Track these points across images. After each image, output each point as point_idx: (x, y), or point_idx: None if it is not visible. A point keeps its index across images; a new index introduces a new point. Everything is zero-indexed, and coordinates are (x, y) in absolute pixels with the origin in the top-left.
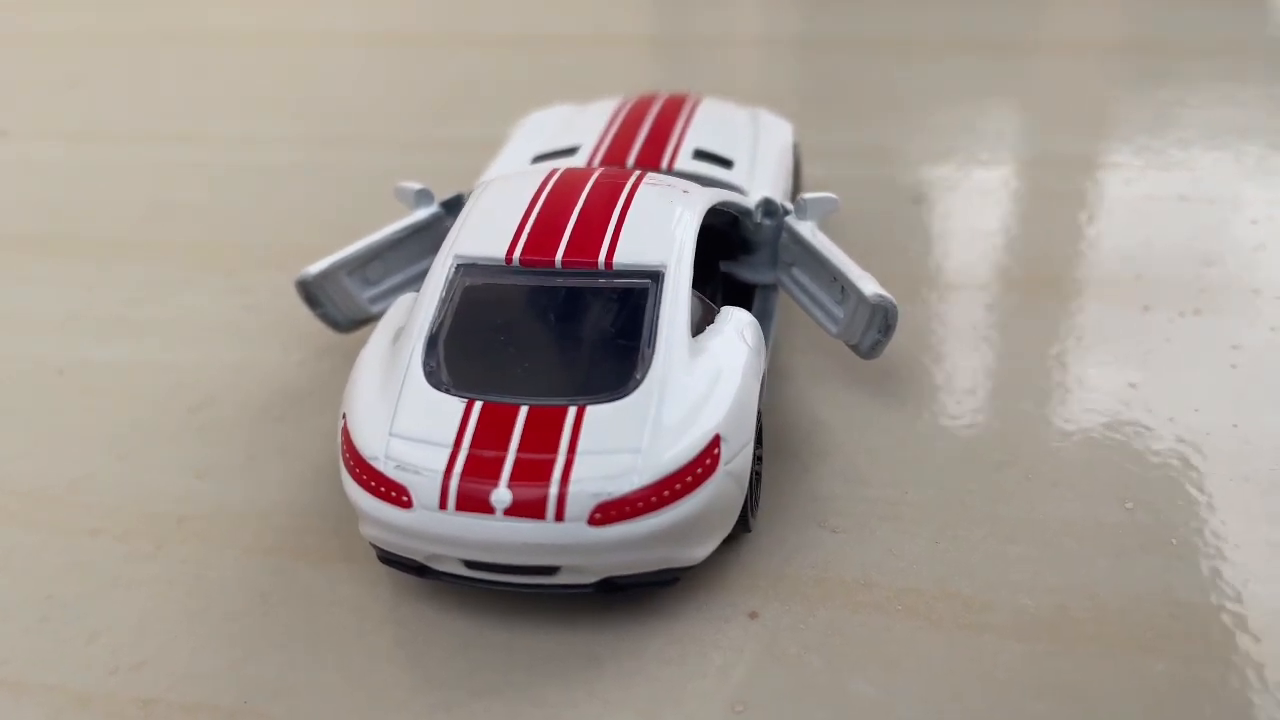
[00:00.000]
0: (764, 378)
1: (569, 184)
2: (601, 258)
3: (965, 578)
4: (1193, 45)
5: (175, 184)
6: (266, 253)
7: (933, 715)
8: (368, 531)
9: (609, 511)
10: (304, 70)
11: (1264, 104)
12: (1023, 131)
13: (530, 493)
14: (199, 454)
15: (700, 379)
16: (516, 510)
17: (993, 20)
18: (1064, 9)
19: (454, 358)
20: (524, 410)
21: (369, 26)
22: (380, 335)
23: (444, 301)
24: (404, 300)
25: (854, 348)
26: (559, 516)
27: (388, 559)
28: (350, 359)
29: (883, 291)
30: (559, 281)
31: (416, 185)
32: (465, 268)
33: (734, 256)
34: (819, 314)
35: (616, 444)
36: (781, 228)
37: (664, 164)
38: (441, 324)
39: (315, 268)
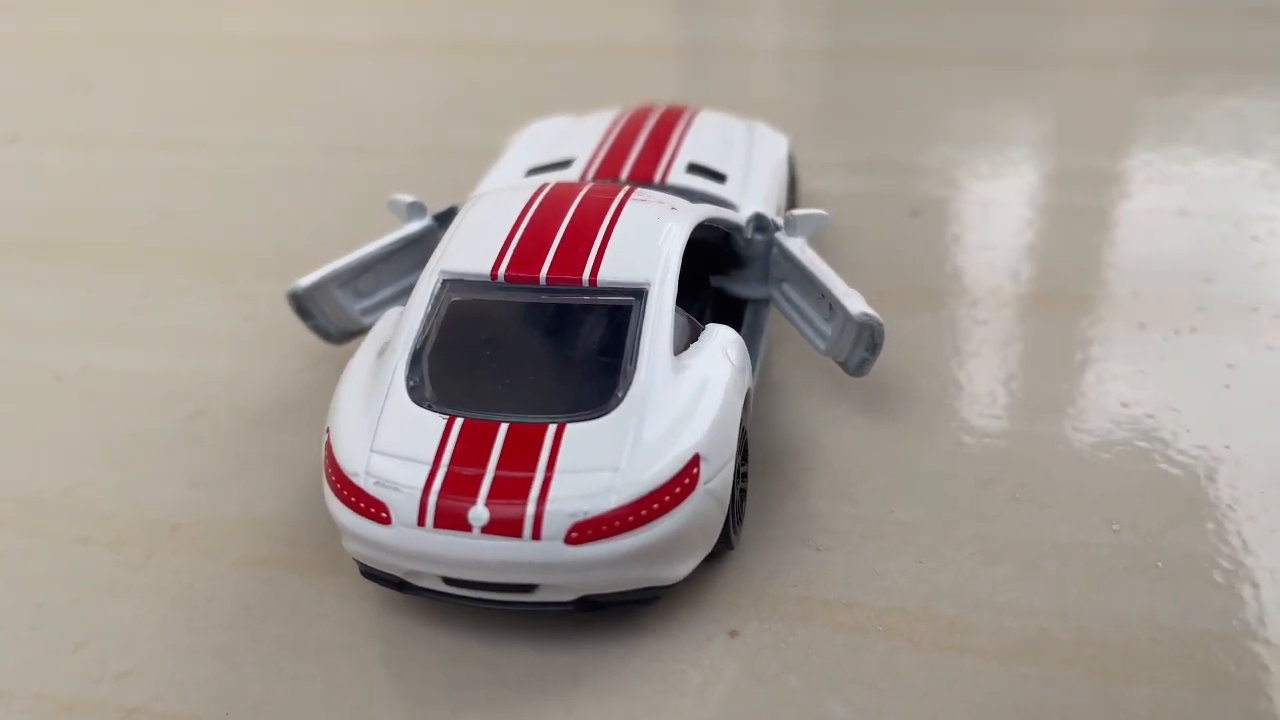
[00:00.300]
0: (750, 395)
1: (557, 200)
2: (586, 274)
3: (948, 598)
4: (1200, 58)
5: (179, 190)
6: (266, 261)
7: None
8: (350, 546)
9: (586, 530)
10: (313, 76)
11: (1269, 119)
12: (1026, 145)
13: (507, 511)
14: (193, 463)
15: (682, 397)
16: (493, 528)
17: (1011, 32)
18: (1077, 22)
19: (438, 374)
20: (504, 427)
21: (381, 33)
22: (366, 350)
23: (429, 317)
24: (391, 314)
25: (842, 365)
26: (536, 535)
27: (369, 574)
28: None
29: (869, 310)
30: (543, 298)
31: (409, 198)
32: (451, 283)
33: (726, 271)
34: (808, 330)
35: (595, 462)
36: (773, 243)
37: (658, 177)
38: (426, 340)
39: (306, 280)
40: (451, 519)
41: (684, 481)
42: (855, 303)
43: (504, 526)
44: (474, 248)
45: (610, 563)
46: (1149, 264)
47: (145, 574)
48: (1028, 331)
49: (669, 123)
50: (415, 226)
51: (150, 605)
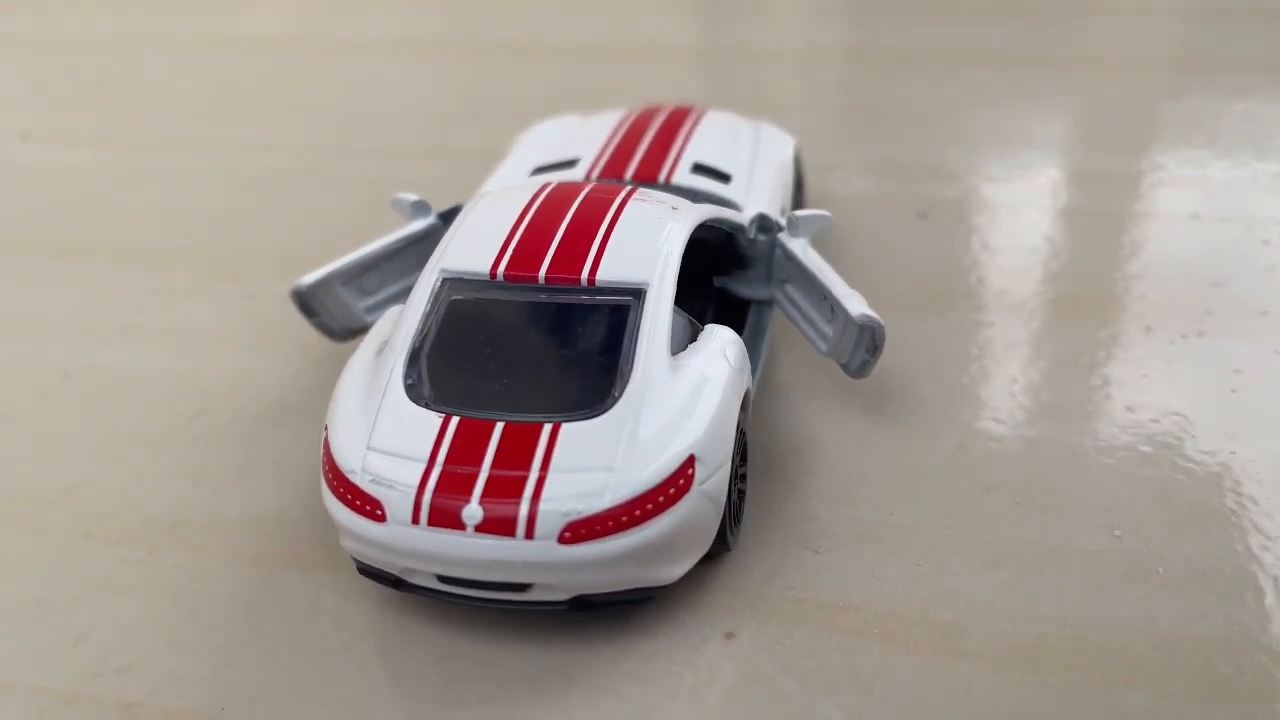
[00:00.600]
0: (749, 396)
1: (559, 199)
2: (584, 274)
3: (945, 603)
4: (1214, 61)
5: (188, 190)
6: (272, 261)
7: None
8: (346, 544)
9: (579, 530)
10: (326, 77)
11: None
12: (1036, 147)
13: (501, 510)
14: (196, 460)
15: (678, 398)
16: (487, 527)
17: (1022, 35)
18: (1090, 25)
19: (436, 372)
20: (500, 426)
21: (397, 33)
22: (366, 348)
23: (428, 315)
24: (391, 313)
25: (844, 367)
26: (529, 534)
27: (366, 571)
28: None
29: (869, 311)
30: (542, 297)
31: (413, 196)
32: (451, 282)
33: (729, 272)
34: (810, 332)
35: (590, 462)
36: (776, 244)
37: (662, 177)
38: (425, 338)
39: (310, 278)
40: (446, 517)
41: (679, 482)
42: (856, 304)
43: (497, 525)
44: (474, 247)
45: (603, 563)
46: (1158, 267)
47: (146, 570)
48: (1033, 335)
49: (675, 123)
50: (419, 225)
51: (150, 601)
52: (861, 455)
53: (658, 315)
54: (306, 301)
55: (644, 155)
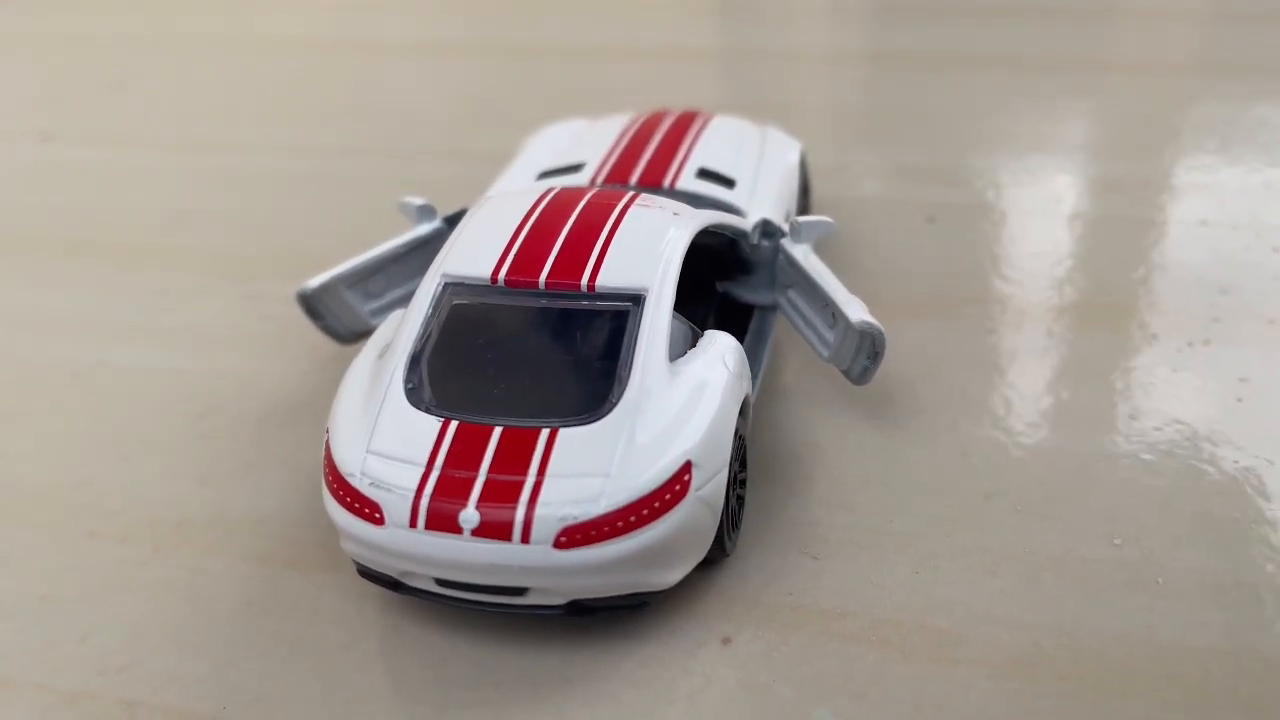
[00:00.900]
0: (748, 402)
1: (561, 204)
2: (585, 280)
3: (943, 610)
4: (1227, 66)
5: (201, 190)
6: (282, 262)
7: None
8: (346, 546)
9: (575, 535)
10: (340, 78)
11: None
12: (1046, 152)
13: (497, 514)
14: (201, 461)
15: (676, 403)
16: (483, 531)
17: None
18: (1103, 30)
19: (436, 376)
20: (498, 431)
21: (414, 35)
22: (368, 351)
23: (429, 320)
24: (394, 317)
25: (845, 373)
26: (525, 539)
27: (366, 573)
28: None
29: (870, 318)
30: (542, 303)
31: (419, 200)
32: (453, 286)
33: (733, 277)
34: (812, 337)
35: (586, 467)
36: (779, 249)
37: (667, 182)
38: (426, 342)
39: (315, 281)
40: (443, 521)
41: (675, 488)
42: (856, 310)
43: (494, 529)
44: (476, 251)
45: (599, 568)
46: (1166, 274)
47: (151, 569)
48: (1037, 342)
49: (682, 128)
50: (425, 229)
51: (155, 600)
52: (862, 461)
53: (656, 321)
54: (312, 304)
55: (649, 160)
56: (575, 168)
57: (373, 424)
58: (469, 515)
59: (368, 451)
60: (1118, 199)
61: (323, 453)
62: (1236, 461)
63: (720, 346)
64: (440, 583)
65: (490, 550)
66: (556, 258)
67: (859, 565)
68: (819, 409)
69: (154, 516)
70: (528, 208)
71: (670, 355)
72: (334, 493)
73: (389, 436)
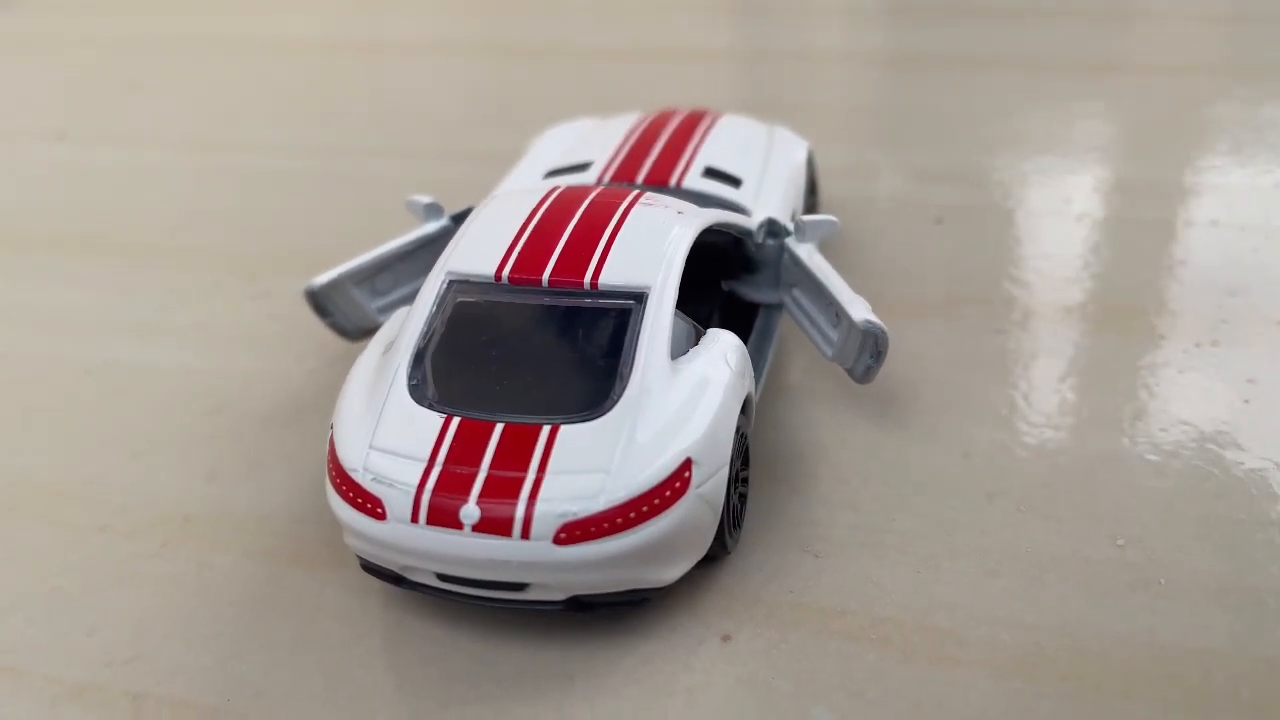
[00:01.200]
0: (751, 401)
1: (566, 203)
2: (587, 278)
3: (943, 609)
4: (1239, 68)
5: (213, 190)
6: (291, 261)
7: None
8: (349, 540)
9: (574, 531)
10: (354, 79)
11: None
12: (1056, 153)
13: (498, 510)
14: (209, 457)
15: (677, 401)
16: (484, 527)
17: (1046, 41)
18: (1115, 32)
19: (439, 373)
20: (499, 427)
21: (422, 37)
22: (373, 348)
23: (433, 317)
24: (399, 314)
25: (849, 372)
26: (525, 534)
27: (369, 568)
28: None
29: (873, 318)
30: (545, 300)
31: (426, 199)
32: (457, 284)
33: (739, 275)
34: (816, 336)
35: (587, 464)
36: (784, 248)
37: (673, 181)
38: (430, 339)
39: (323, 278)
40: (444, 516)
41: (674, 485)
42: (859, 310)
43: (494, 525)
44: (481, 249)
45: (598, 564)
46: (1174, 275)
47: (159, 563)
48: (1043, 342)
49: (689, 127)
50: (432, 227)
51: (162, 594)
52: (865, 460)
53: (658, 319)
54: (320, 301)
55: (656, 159)
56: (582, 166)
57: (376, 420)
58: (470, 511)
59: (371, 447)
60: (1127, 200)
61: (327, 448)
62: (1242, 463)
63: (722, 345)
64: (442, 578)
65: (490, 546)
66: (560, 256)
67: (860, 564)
68: (823, 408)
69: (162, 512)
70: (532, 206)
71: (672, 353)
72: (337, 488)
73: (392, 432)
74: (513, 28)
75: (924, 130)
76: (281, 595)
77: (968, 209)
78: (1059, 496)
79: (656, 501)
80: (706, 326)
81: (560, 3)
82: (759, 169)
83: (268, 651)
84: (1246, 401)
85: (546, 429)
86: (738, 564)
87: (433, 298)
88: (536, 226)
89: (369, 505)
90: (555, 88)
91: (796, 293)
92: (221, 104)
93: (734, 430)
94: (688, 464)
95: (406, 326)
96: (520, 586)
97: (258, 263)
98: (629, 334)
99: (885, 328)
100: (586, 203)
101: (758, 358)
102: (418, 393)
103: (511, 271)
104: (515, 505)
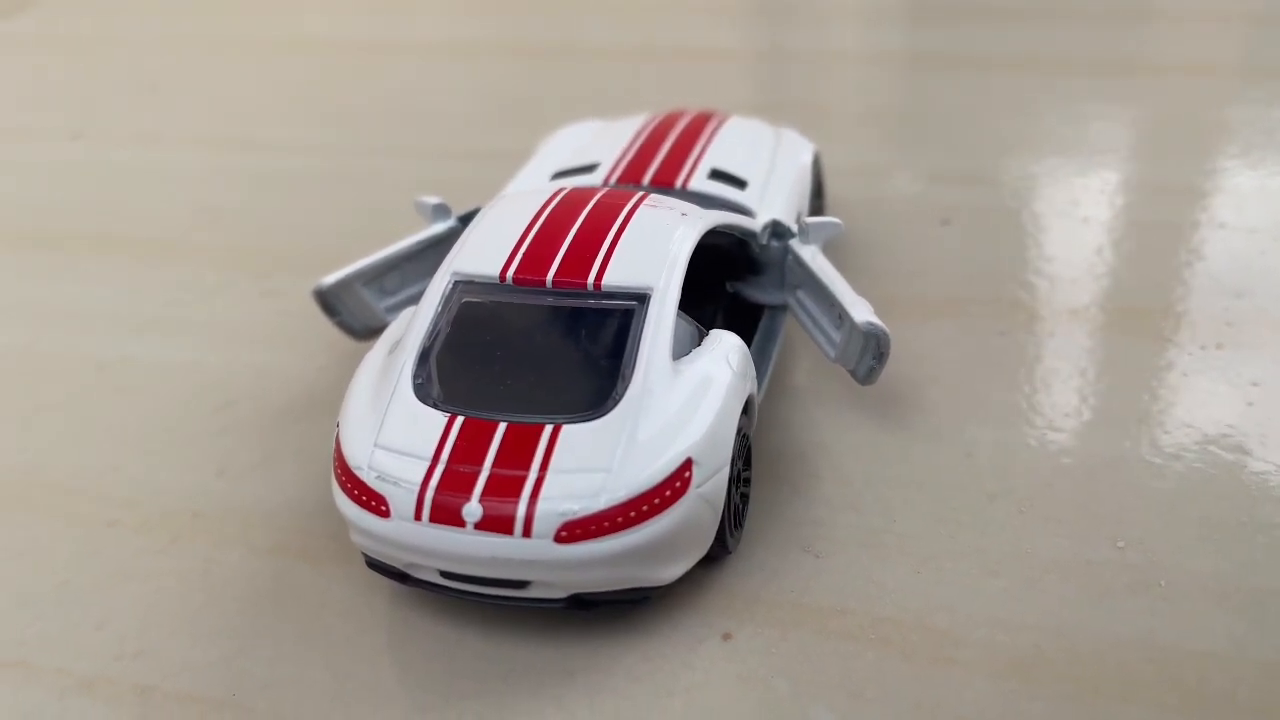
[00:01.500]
0: (753, 401)
1: (571, 204)
2: (591, 279)
3: (943, 610)
4: (1248, 70)
5: (227, 189)
6: (303, 259)
7: None
8: (354, 538)
9: (575, 530)
10: (368, 79)
11: None
12: (1064, 155)
13: (500, 508)
14: (219, 453)
15: (678, 402)
16: (486, 524)
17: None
18: (1125, 33)
19: (444, 372)
20: (502, 426)
21: (436, 37)
22: (379, 347)
23: (439, 316)
24: (405, 314)
25: (851, 373)
26: (526, 532)
27: (374, 565)
28: None
29: (874, 319)
30: (549, 301)
31: (434, 199)
32: (462, 284)
33: (743, 277)
34: (819, 337)
35: (588, 463)
36: (788, 250)
37: (679, 183)
38: (435, 339)
39: (331, 278)
40: (447, 514)
41: (675, 485)
42: (862, 312)
43: (496, 523)
44: (486, 250)
45: (599, 562)
46: (1180, 277)
47: (168, 558)
48: (1047, 344)
49: (696, 129)
50: (440, 227)
51: (170, 588)
52: (868, 460)
53: (661, 320)
54: (328, 300)
55: (663, 161)
56: (589, 168)
57: (381, 418)
58: (472, 509)
59: (375, 445)
60: (1134, 202)
61: (333, 446)
62: (1245, 466)
63: (725, 346)
64: (445, 575)
65: (492, 544)
66: (564, 257)
67: (861, 564)
68: (827, 408)
69: (172, 507)
70: (538, 207)
71: (675, 354)
72: (342, 485)
73: (396, 431)
74: (526, 28)
75: (934, 131)
76: (288, 591)
77: (976, 210)
78: (1061, 498)
79: (657, 501)
80: (710, 327)
81: (573, 3)
82: (765, 171)
83: (273, 646)
84: (1250, 404)
85: (549, 428)
86: (739, 563)
87: (438, 298)
88: (541, 227)
89: (373, 503)
90: (567, 88)
91: (800, 294)
92: (235, 104)
93: (735, 430)
94: (688, 464)
95: (412, 326)
96: (522, 584)
97: (269, 260)
98: (631, 334)
99: (887, 329)
100: (591, 204)
101: (761, 359)
102: (422, 392)
103: (516, 272)
104: (517, 504)
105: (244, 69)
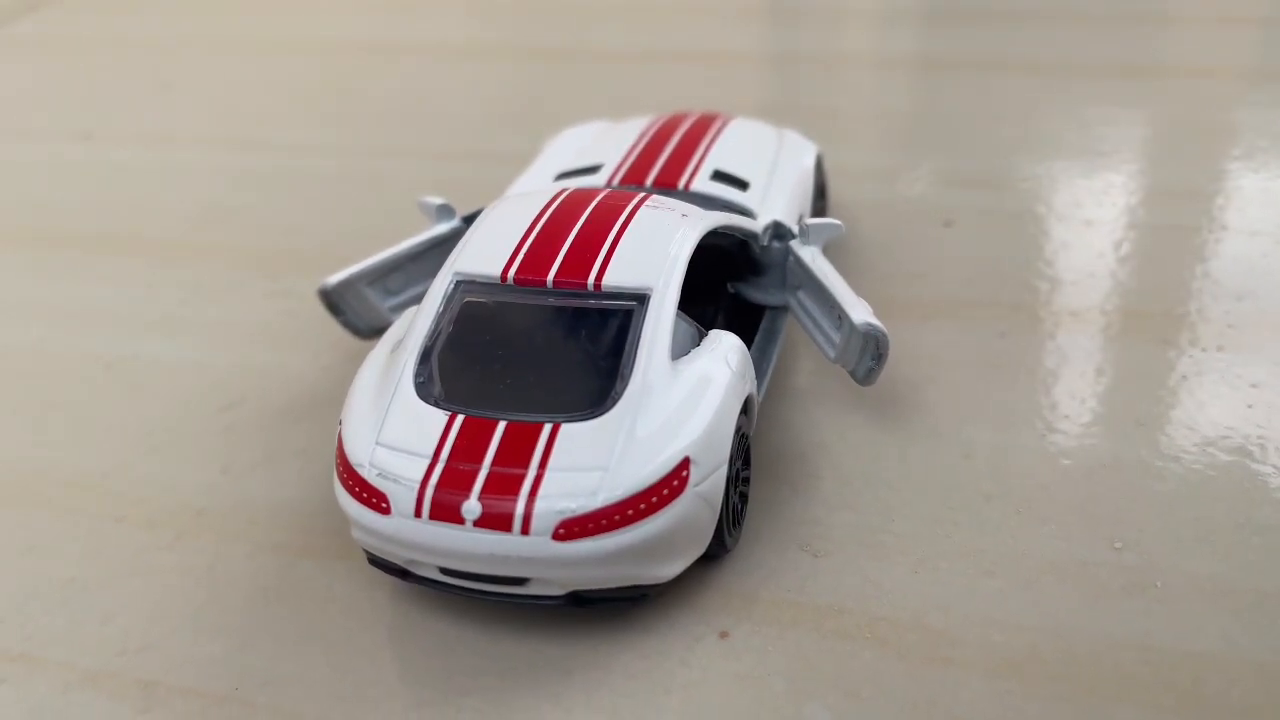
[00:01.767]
0: (752, 401)
1: (573, 205)
2: (591, 279)
3: (939, 610)
4: (1253, 73)
5: (236, 189)
6: (310, 258)
7: None
8: (356, 534)
9: (572, 527)
10: (379, 80)
11: None
12: (1066, 157)
13: (499, 506)
14: (224, 450)
15: (676, 401)
16: (485, 522)
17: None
18: (1128, 36)
19: (446, 371)
20: (502, 425)
21: (446, 38)
22: (382, 346)
23: (440, 316)
24: (408, 314)
25: (851, 373)
26: (525, 530)
27: (375, 562)
28: None
29: (873, 320)
30: (549, 301)
31: (438, 200)
32: (464, 284)
33: (745, 278)
34: (820, 338)
35: (586, 462)
36: (789, 251)
37: (681, 184)
38: (437, 338)
39: (335, 278)
40: (446, 512)
41: (672, 483)
42: (861, 313)
43: (495, 521)
44: (488, 250)
45: (597, 560)
46: (1181, 279)
47: (173, 554)
48: (1048, 346)
49: (700, 130)
50: (444, 227)
51: (175, 584)
52: (867, 461)
53: (660, 320)
54: (333, 300)
55: (666, 162)
56: (593, 169)
57: (383, 416)
58: (471, 506)
59: (377, 443)
60: (1137, 205)
61: (336, 444)
62: (1243, 468)
63: (724, 346)
64: (444, 572)
65: (491, 541)
66: (565, 257)
67: (858, 564)
68: (828, 409)
69: (178, 504)
70: (539, 208)
71: (674, 354)
72: (344, 483)
73: (398, 429)
74: (534, 29)
75: (939, 134)
76: (291, 587)
77: (978, 212)
78: (1058, 499)
79: (654, 499)
80: (711, 327)
81: (581, 4)
82: (767, 172)
83: (276, 642)
84: (1250, 407)
85: (548, 427)
86: (737, 562)
87: (440, 297)
88: (543, 228)
89: (374, 500)
90: (574, 89)
91: (801, 295)
92: (244, 104)
93: (734, 430)
94: (686, 463)
95: (414, 325)
96: (521, 581)
97: (277, 260)
98: (630, 334)
99: (885, 330)
100: (593, 205)
101: (762, 359)
102: (424, 390)
103: (517, 272)
104: (515, 501)
105: (253, 70)
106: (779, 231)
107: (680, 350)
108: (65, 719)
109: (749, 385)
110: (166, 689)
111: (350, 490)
